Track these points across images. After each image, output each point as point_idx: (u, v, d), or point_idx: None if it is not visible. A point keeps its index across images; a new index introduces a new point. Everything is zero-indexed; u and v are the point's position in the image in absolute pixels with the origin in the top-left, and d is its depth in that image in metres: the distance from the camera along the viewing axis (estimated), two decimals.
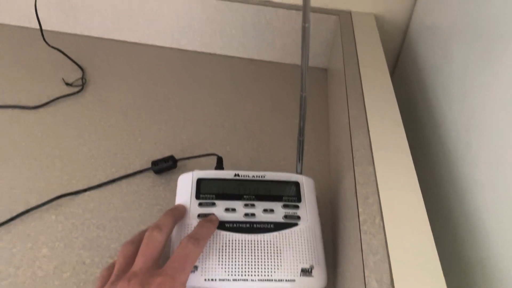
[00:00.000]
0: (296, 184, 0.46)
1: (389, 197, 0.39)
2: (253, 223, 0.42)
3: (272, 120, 0.67)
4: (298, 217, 0.43)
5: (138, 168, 0.56)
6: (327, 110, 0.70)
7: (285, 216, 0.43)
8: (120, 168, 0.56)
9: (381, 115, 0.49)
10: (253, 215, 0.42)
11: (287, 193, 0.45)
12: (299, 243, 0.41)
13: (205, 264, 0.39)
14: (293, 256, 0.40)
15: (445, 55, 0.54)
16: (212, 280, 0.38)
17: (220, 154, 0.60)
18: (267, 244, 0.40)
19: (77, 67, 0.75)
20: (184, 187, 0.45)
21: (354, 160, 0.43)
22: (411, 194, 0.39)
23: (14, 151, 0.58)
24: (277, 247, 0.40)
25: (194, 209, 0.43)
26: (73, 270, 0.44)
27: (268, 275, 0.39)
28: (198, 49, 0.82)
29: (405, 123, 0.49)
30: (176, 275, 0.34)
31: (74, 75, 0.73)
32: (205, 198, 0.44)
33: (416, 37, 0.69)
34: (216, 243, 0.40)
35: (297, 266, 0.39)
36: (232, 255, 0.39)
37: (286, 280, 0.39)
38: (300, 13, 0.73)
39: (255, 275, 0.38)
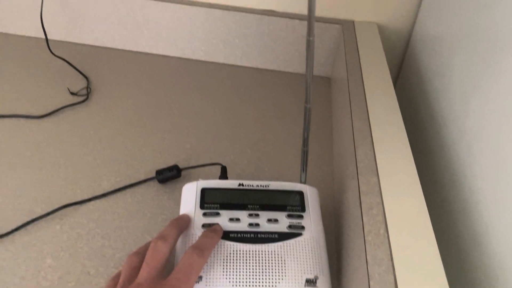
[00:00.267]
0: (300, 194, 0.46)
1: (393, 208, 0.39)
2: (257, 233, 0.42)
3: (275, 128, 0.67)
4: (302, 227, 0.43)
5: (142, 177, 0.57)
6: (331, 119, 0.70)
7: (289, 226, 0.43)
8: (124, 177, 0.57)
9: (385, 125, 0.49)
10: (257, 225, 0.42)
11: (291, 203, 0.45)
12: (304, 253, 0.41)
13: (210, 275, 0.39)
14: (297, 267, 0.40)
15: (448, 63, 0.54)
16: None
17: (224, 163, 0.60)
18: (272, 254, 0.40)
19: (82, 76, 0.76)
20: (189, 196, 0.45)
21: (358, 169, 0.43)
22: (416, 204, 0.39)
23: (19, 160, 0.58)
24: (281, 257, 0.40)
25: (199, 219, 0.43)
26: (77, 280, 0.45)
27: (272, 286, 0.39)
28: (202, 58, 0.83)
29: (408, 132, 0.49)
30: (181, 285, 0.34)
31: (79, 84, 0.74)
32: (210, 208, 0.44)
33: (418, 46, 0.69)
34: (221, 253, 0.40)
35: (301, 276, 0.39)
36: (236, 265, 0.39)
37: None
38: (303, 22, 0.74)
39: (259, 286, 0.38)
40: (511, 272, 0.35)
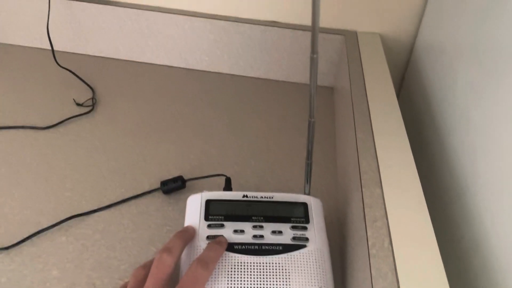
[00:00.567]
0: (304, 205, 0.46)
1: (397, 220, 0.39)
2: (261, 244, 0.42)
3: (279, 139, 0.67)
4: (307, 239, 0.43)
5: (147, 188, 0.57)
6: (334, 128, 0.70)
7: (294, 238, 0.43)
8: (129, 188, 0.57)
9: (388, 136, 0.50)
10: (261, 236, 0.43)
11: (295, 215, 0.45)
12: (308, 265, 0.41)
13: (214, 287, 0.39)
14: (301, 278, 0.40)
15: (451, 74, 0.55)
16: None
17: (228, 174, 0.60)
18: (276, 266, 0.40)
19: (88, 87, 0.76)
20: (193, 208, 0.45)
21: (362, 181, 0.44)
22: (420, 217, 0.39)
23: (25, 172, 0.59)
24: (285, 269, 0.40)
25: (203, 230, 0.43)
26: None
27: None
28: (206, 69, 0.83)
29: (411, 143, 0.50)
30: None
31: (84, 95, 0.75)
32: (214, 220, 0.44)
33: (421, 56, 0.69)
34: (225, 266, 0.40)
35: None
36: (241, 277, 0.39)
37: None
38: (306, 33, 0.75)
39: None
40: None
